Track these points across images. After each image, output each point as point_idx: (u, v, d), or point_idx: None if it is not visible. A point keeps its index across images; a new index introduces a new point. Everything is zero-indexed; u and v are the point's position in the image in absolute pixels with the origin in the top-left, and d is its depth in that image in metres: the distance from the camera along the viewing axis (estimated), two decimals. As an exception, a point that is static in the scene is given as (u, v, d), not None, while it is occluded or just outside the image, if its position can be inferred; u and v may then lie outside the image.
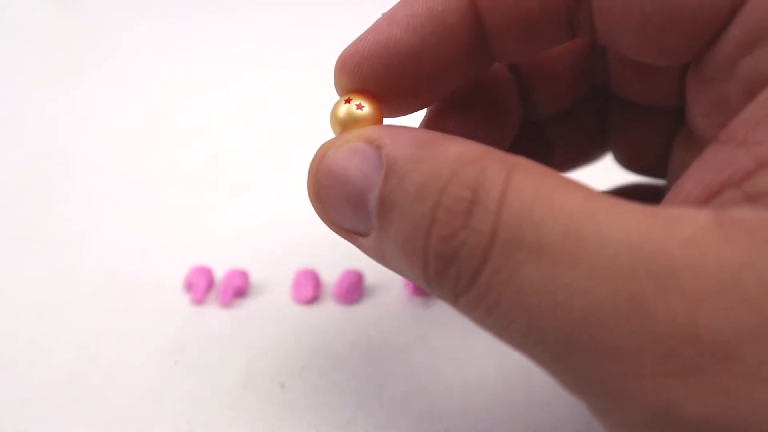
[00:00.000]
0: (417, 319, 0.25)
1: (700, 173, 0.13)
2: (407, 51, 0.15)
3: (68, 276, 0.27)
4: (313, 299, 0.25)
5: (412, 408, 0.21)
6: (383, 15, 0.16)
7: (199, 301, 0.25)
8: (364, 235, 0.14)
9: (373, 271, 0.26)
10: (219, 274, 0.26)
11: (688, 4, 0.14)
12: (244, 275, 0.26)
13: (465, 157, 0.13)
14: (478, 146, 0.13)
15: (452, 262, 0.12)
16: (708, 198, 0.13)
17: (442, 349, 0.23)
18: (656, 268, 0.11)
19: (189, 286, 0.26)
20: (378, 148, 0.14)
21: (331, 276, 0.26)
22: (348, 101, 0.16)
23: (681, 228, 0.11)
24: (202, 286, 0.25)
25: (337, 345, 0.24)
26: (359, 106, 0.15)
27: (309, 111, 0.37)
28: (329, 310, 0.25)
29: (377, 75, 0.16)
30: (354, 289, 0.25)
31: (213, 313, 0.25)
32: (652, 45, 0.15)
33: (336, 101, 0.16)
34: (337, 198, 0.14)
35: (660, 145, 0.21)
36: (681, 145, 0.20)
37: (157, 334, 0.24)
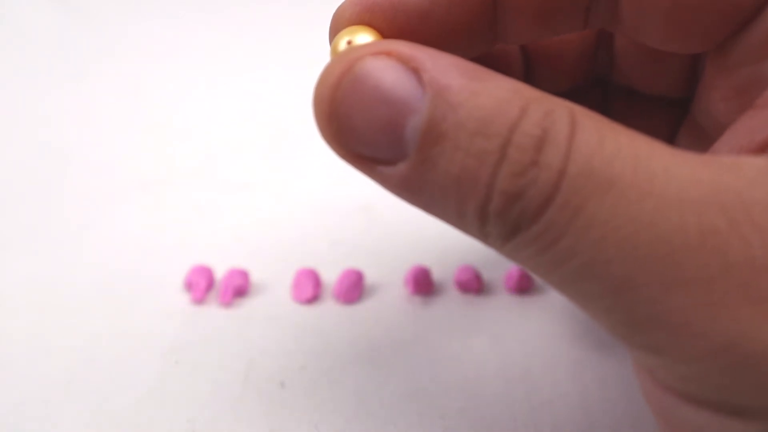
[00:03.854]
0: (417, 319, 0.25)
1: (736, 137, 0.14)
2: (414, 10, 0.15)
3: (68, 276, 0.27)
4: (313, 299, 0.25)
5: (412, 408, 0.21)
6: None
7: (199, 301, 0.25)
8: (389, 163, 0.13)
9: (373, 270, 0.26)
10: (219, 273, 0.26)
11: None
12: (244, 275, 0.26)
13: (525, 95, 0.12)
14: (527, 85, 0.13)
15: (518, 199, 0.12)
16: (751, 155, 0.13)
17: (442, 349, 0.23)
18: (726, 202, 0.11)
19: (189, 285, 0.26)
20: (415, 70, 0.13)
21: (331, 275, 0.26)
22: (349, 44, 0.14)
23: (743, 169, 0.12)
24: (202, 285, 0.25)
25: (337, 345, 0.24)
26: (363, 21, 0.14)
27: (309, 110, 0.37)
28: (329, 309, 0.25)
29: (378, 29, 0.15)
30: (354, 289, 0.25)
31: (213, 313, 0.25)
32: (680, 31, 0.15)
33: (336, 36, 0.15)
34: (364, 121, 0.13)
35: (662, 137, 0.21)
36: (686, 137, 0.20)
37: (157, 333, 0.24)
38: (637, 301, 0.11)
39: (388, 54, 0.13)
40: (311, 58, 0.39)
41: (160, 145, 0.35)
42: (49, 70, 0.43)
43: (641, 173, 0.11)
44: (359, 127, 0.13)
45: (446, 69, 0.13)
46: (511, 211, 0.12)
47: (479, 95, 0.12)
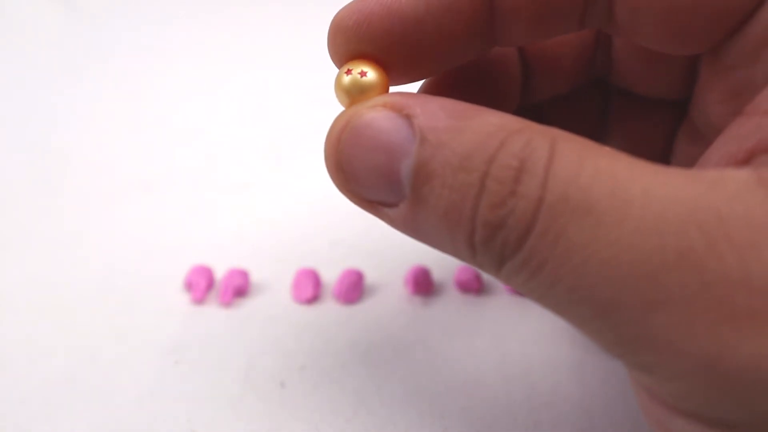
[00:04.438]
0: (417, 319, 0.25)
1: (725, 145, 0.14)
2: (411, 16, 0.15)
3: (68, 276, 0.27)
4: (313, 299, 0.25)
5: (412, 407, 0.21)
6: None
7: (199, 301, 0.25)
8: (392, 205, 0.14)
9: (373, 270, 0.26)
10: (219, 273, 0.26)
11: None
12: (244, 275, 0.26)
13: (507, 128, 0.13)
14: (514, 118, 0.13)
15: (500, 229, 0.12)
16: (738, 165, 0.13)
17: (442, 349, 0.23)
18: (704, 220, 0.11)
19: (189, 285, 0.26)
20: (408, 117, 0.14)
21: (331, 275, 0.26)
22: (349, 72, 0.15)
23: (724, 185, 0.12)
24: (202, 285, 0.25)
25: (337, 345, 0.24)
26: (362, 73, 0.15)
27: (309, 110, 0.37)
28: (329, 309, 0.25)
29: (376, 38, 0.15)
30: (354, 289, 0.25)
31: (213, 313, 0.25)
32: (675, 32, 0.15)
33: (339, 71, 0.16)
34: (364, 168, 0.14)
35: (661, 139, 0.21)
36: (684, 138, 0.20)
37: (157, 333, 0.24)
38: (623, 322, 0.12)
39: (384, 106, 0.14)
40: (311, 59, 0.39)
41: (160, 145, 0.35)
42: (50, 70, 0.43)
43: (619, 197, 0.12)
44: (361, 174, 0.14)
45: (434, 112, 0.13)
46: (495, 241, 0.13)
47: (463, 132, 0.13)
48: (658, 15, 0.15)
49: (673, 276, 0.11)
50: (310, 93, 0.38)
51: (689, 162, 0.15)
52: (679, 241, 0.11)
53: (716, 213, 0.11)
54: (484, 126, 0.13)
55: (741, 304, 0.11)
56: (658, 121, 0.20)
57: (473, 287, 0.25)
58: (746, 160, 0.13)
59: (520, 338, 0.24)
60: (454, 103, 0.14)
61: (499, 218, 0.12)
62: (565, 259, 0.12)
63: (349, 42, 0.15)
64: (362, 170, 0.14)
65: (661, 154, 0.21)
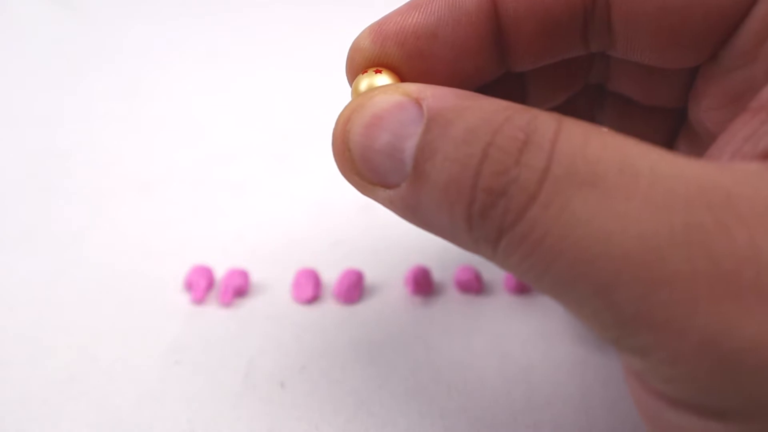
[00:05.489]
0: (417, 319, 0.25)
1: (733, 144, 0.14)
2: (423, 30, 0.16)
3: (68, 275, 0.27)
4: (313, 299, 0.25)
5: (412, 407, 0.21)
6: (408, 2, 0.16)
7: (199, 301, 0.25)
8: (393, 186, 0.14)
9: (373, 270, 0.26)
10: (219, 273, 0.26)
11: None
12: (244, 275, 0.26)
13: (513, 107, 0.13)
14: (520, 104, 0.13)
15: (501, 196, 0.12)
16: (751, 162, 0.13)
17: (442, 349, 0.23)
18: (713, 198, 0.11)
19: (189, 286, 0.26)
20: (417, 100, 0.14)
21: (331, 275, 0.26)
22: (365, 71, 0.16)
23: (733, 170, 0.12)
24: (202, 285, 0.25)
25: (337, 345, 0.24)
26: (377, 71, 0.16)
27: (309, 111, 0.37)
28: (329, 309, 0.25)
29: (392, 54, 0.16)
30: (354, 289, 0.25)
31: (213, 313, 0.25)
32: (672, 41, 0.15)
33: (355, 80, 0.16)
34: (370, 148, 0.14)
35: (661, 143, 0.20)
36: (685, 142, 0.20)
37: (157, 333, 0.24)
38: (623, 300, 0.11)
39: (395, 90, 0.14)
40: (313, 60, 0.39)
41: (160, 145, 0.35)
42: (50, 70, 0.43)
43: (627, 173, 0.11)
44: (368, 156, 0.14)
45: (444, 96, 0.14)
46: (495, 209, 0.12)
47: (469, 110, 0.13)
48: (651, 22, 0.15)
49: (679, 251, 0.11)
50: (311, 93, 0.38)
51: None
52: (687, 217, 0.11)
53: (725, 192, 0.11)
54: (490, 105, 0.13)
55: (748, 280, 0.11)
56: (657, 126, 0.20)
57: (473, 287, 0.25)
58: (762, 159, 0.13)
59: (520, 338, 0.24)
60: (462, 90, 0.14)
61: (501, 185, 0.12)
62: (567, 232, 0.11)
63: (367, 61, 0.16)
64: (368, 151, 0.14)
65: None
